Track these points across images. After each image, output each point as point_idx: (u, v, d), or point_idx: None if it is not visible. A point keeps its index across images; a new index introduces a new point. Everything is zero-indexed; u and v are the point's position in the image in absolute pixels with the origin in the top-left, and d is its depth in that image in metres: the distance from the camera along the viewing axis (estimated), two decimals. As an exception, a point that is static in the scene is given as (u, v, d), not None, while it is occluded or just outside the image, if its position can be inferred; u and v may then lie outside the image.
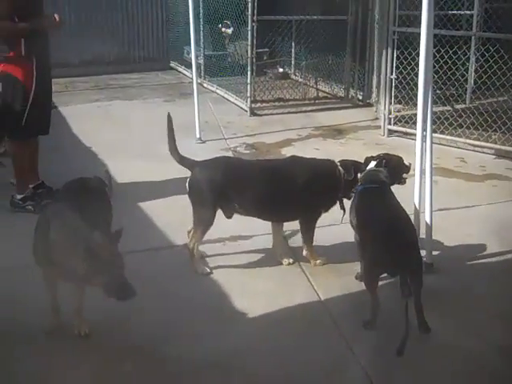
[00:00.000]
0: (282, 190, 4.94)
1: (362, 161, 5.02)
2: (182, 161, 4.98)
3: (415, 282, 4.11)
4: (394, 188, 4.79)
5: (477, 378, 3.78)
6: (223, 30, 12.46)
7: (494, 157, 7.92)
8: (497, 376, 3.80)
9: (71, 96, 11.22)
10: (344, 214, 4.96)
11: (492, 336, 4.16)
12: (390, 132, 8.86)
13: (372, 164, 4.90)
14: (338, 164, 5.02)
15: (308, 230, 5.03)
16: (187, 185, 4.92)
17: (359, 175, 4.89)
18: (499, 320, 4.35)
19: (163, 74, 13.76)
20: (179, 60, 13.91)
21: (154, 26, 14.26)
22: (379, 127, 9.11)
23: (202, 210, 4.88)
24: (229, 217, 5.03)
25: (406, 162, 5.00)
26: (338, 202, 5.05)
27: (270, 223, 5.19)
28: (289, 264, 5.07)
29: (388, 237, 4.13)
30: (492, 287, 4.80)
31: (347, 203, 4.93)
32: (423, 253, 4.88)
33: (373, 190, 4.64)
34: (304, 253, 5.11)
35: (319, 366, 3.86)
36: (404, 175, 5.00)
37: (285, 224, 5.37)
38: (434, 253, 5.07)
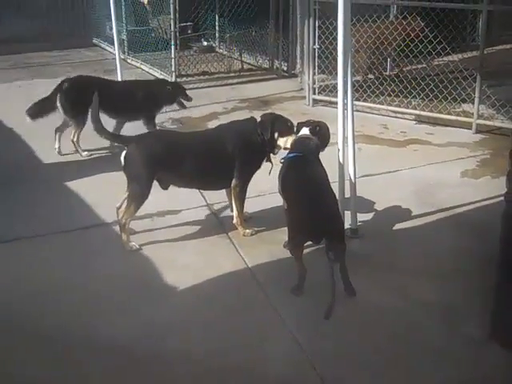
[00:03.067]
0: (216, 158, 5.04)
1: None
2: (113, 137, 4.96)
3: (339, 247, 4.22)
4: (323, 155, 4.90)
5: (402, 334, 3.92)
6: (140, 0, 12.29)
7: (415, 122, 8.15)
8: (421, 331, 3.96)
9: (-11, 76, 10.90)
10: (272, 167, 5.07)
11: (415, 294, 4.33)
12: (315, 101, 8.99)
13: (304, 130, 4.98)
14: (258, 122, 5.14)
15: (240, 195, 5.10)
16: (122, 159, 4.90)
17: (289, 140, 5.00)
18: (422, 279, 4.51)
19: (86, 50, 13.49)
20: (102, 36, 13.65)
21: (74, 0, 13.91)
22: (304, 97, 9.21)
23: (139, 183, 4.89)
24: (165, 188, 5.08)
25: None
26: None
27: (196, 197, 5.22)
28: (252, 235, 5.16)
29: (309, 206, 4.23)
30: (415, 248, 4.97)
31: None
32: (348, 219, 5.04)
33: (299, 158, 4.72)
34: (234, 220, 5.19)
35: (249, 334, 3.94)
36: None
37: (213, 196, 5.45)
38: (359, 218, 5.22)
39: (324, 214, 4.18)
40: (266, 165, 5.17)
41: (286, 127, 5.09)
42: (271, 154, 5.17)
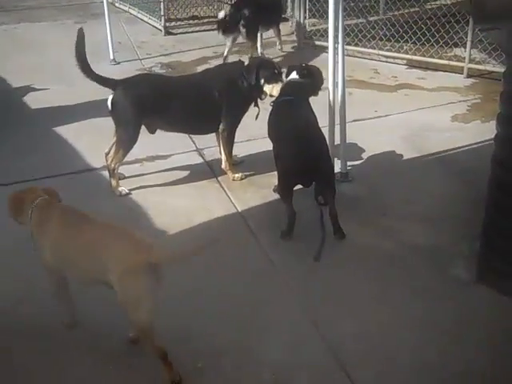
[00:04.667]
0: (203, 102, 4.97)
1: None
2: (100, 80, 4.86)
3: (328, 190, 4.24)
4: (315, 99, 4.88)
5: (391, 276, 3.96)
6: None
7: (406, 67, 8.09)
8: (409, 273, 4.00)
9: (-26, 20, 10.70)
10: (258, 112, 5.05)
11: (404, 237, 4.36)
12: (306, 46, 8.89)
13: (293, 74, 4.94)
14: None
15: (228, 140, 5.07)
16: (109, 103, 4.83)
17: (275, 88, 4.95)
18: (410, 222, 4.54)
19: (73, -7, 13.23)
20: (89, -21, 13.36)
21: None
22: (295, 41, 9.11)
23: (127, 128, 4.84)
24: (152, 132, 5.04)
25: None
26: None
27: (185, 142, 5.19)
28: (241, 179, 5.14)
29: (298, 149, 4.21)
30: (404, 192, 4.98)
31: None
32: (338, 163, 5.05)
33: (288, 102, 4.68)
34: (223, 165, 5.17)
35: (240, 277, 3.96)
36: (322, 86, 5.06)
37: (202, 141, 5.43)
38: (349, 162, 5.22)
39: (313, 156, 4.16)
40: (254, 109, 5.13)
41: (272, 74, 5.00)
42: (259, 100, 5.12)
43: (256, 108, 5.12)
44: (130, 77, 5.13)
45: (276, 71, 5.04)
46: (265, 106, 4.99)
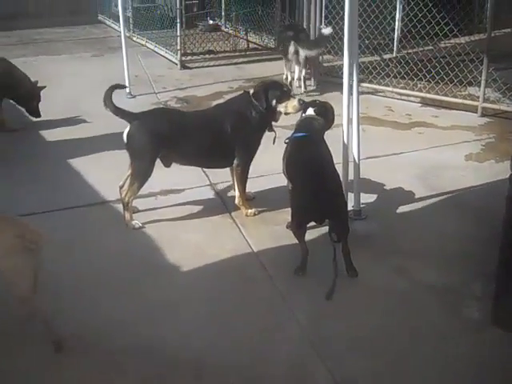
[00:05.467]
0: (216, 138, 4.99)
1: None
2: (118, 112, 4.90)
3: (341, 228, 4.23)
4: (329, 136, 4.91)
5: (403, 316, 3.93)
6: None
7: (420, 105, 8.12)
8: (422, 313, 3.96)
9: (-6, 52, 10.85)
10: (275, 136, 5.06)
11: (417, 276, 4.33)
12: (321, 82, 8.94)
13: (309, 111, 4.98)
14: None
15: (242, 176, 5.09)
16: (125, 137, 4.86)
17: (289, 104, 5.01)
18: (424, 261, 4.51)
19: (91, 27, 13.46)
20: (107, 13, 13.61)
21: (79, -24, 13.84)
22: (310, 78, 9.17)
23: (142, 161, 4.87)
24: (167, 166, 5.06)
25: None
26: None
27: (200, 176, 5.20)
28: (254, 215, 5.14)
29: (312, 186, 4.22)
30: (417, 230, 4.97)
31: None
32: (351, 200, 5.04)
33: (304, 138, 4.71)
34: (236, 201, 5.18)
35: (252, 313, 3.95)
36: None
37: (216, 176, 5.44)
38: (363, 200, 5.21)
39: (327, 194, 4.16)
40: (269, 139, 5.13)
41: (281, 92, 5.04)
42: (273, 123, 5.13)
43: (272, 133, 5.12)
44: (145, 111, 5.19)
45: (285, 89, 5.09)
46: (279, 142, 5.01)
